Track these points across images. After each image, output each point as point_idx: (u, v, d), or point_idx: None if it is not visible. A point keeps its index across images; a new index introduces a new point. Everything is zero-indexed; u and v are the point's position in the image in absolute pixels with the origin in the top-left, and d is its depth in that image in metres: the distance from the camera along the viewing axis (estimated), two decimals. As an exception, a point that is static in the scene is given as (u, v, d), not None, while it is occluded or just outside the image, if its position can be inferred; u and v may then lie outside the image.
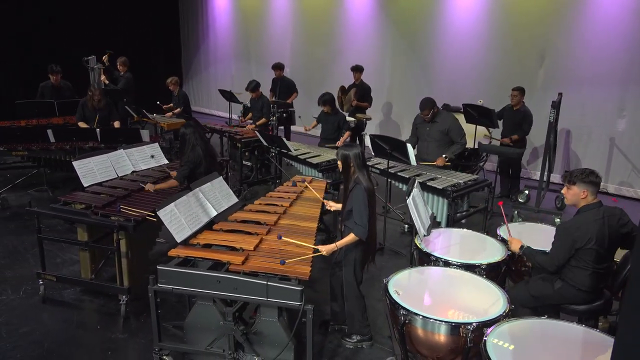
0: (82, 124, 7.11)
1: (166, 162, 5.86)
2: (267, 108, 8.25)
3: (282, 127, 9.56)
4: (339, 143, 7.01)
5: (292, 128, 10.28)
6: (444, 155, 5.77)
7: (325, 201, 4.37)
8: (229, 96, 9.39)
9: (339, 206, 4.34)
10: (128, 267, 4.38)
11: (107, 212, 4.29)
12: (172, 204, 3.80)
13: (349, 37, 10.94)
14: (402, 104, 10.23)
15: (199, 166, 4.92)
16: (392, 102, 10.38)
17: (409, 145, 5.29)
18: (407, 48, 9.92)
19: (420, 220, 3.60)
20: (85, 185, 4.93)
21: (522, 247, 3.63)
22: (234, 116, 10.09)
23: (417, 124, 6.13)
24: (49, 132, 6.10)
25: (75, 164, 4.93)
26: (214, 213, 4.17)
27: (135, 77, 9.66)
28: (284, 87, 9.73)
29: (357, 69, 8.74)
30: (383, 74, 10.22)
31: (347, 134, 7.25)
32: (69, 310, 4.48)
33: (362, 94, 8.72)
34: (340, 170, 3.80)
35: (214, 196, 4.34)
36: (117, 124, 7.15)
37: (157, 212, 3.64)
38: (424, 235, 3.70)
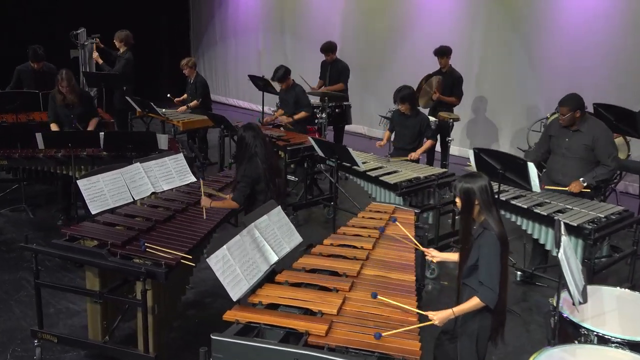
0: (53, 127, 7.16)
1: (193, 179, 5.88)
2: (305, 99, 8.27)
3: (331, 127, 9.56)
4: (413, 155, 6.92)
5: (349, 128, 10.28)
6: (581, 179, 5.61)
7: (425, 250, 4.28)
8: (263, 85, 9.42)
9: (444, 256, 4.27)
10: (154, 327, 4.37)
11: (128, 252, 4.30)
12: (225, 247, 3.77)
13: (422, 7, 10.87)
14: (497, 99, 10.09)
15: (258, 182, 5.01)
16: (484, 97, 10.26)
17: (530, 166, 5.17)
18: (505, 22, 9.79)
19: (573, 280, 3.49)
20: (93, 212, 4.97)
21: None
22: (269, 110, 10.11)
23: (553, 132, 5.90)
24: (39, 136, 6.18)
25: (81, 183, 4.98)
26: (274, 259, 4.12)
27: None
28: (335, 74, 9.72)
29: (444, 53, 8.67)
30: (470, 59, 10.12)
31: (428, 143, 7.16)
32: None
33: (449, 85, 8.63)
34: (459, 208, 3.72)
35: (273, 234, 4.30)
36: (93, 124, 7.18)
37: (208, 260, 3.61)
38: (580, 303, 3.58)
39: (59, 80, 6.93)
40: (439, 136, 8.42)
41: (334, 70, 9.73)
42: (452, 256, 4.17)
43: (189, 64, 9.08)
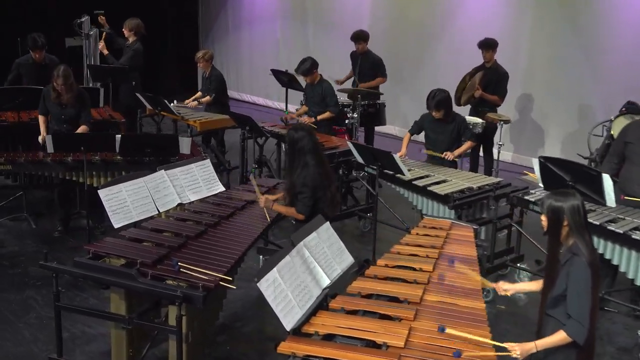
0: (41, 120, 7.11)
1: (221, 188, 5.85)
2: (333, 98, 8.22)
3: (362, 128, 9.53)
4: (449, 155, 6.85)
5: (379, 129, 10.23)
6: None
7: (494, 285, 4.17)
8: (287, 80, 9.37)
9: (519, 288, 4.21)
10: (188, 356, 4.32)
11: (160, 272, 4.26)
12: (275, 269, 3.73)
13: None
14: (546, 98, 10.01)
15: (318, 190, 5.10)
16: (531, 96, 10.19)
17: (606, 177, 5.10)
18: (557, 11, 9.71)
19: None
20: (116, 225, 4.96)
21: None
22: (292, 108, 10.07)
23: (631, 139, 5.73)
24: (49, 138, 6.16)
25: (103, 194, 4.96)
26: (325, 282, 4.09)
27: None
28: (367, 67, 9.68)
29: (489, 45, 8.59)
30: (516, 52, 10.03)
31: (467, 144, 7.08)
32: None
33: (493, 82, 8.56)
34: (545, 229, 3.65)
35: (323, 254, 4.26)
36: (83, 129, 7.08)
37: (259, 284, 3.56)
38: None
39: (54, 77, 6.85)
40: (481, 140, 8.38)
41: (365, 63, 9.68)
42: (529, 286, 4.10)
43: (205, 57, 9.03)
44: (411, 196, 6.58)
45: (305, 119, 8.14)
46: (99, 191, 4.98)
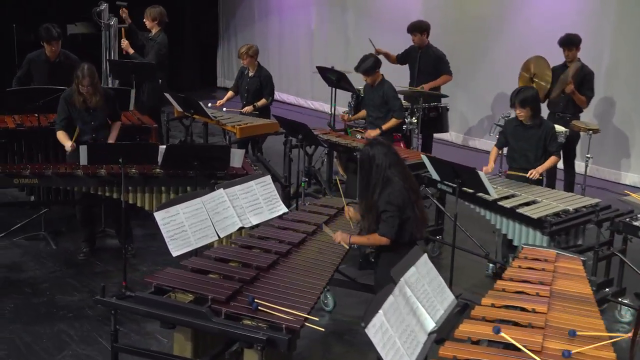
0: (62, 136, 7.01)
1: (283, 209, 5.84)
2: (397, 101, 8.19)
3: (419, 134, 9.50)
4: (533, 174, 6.81)
5: (438, 136, 10.20)
6: None
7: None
8: (335, 78, 9.36)
9: None
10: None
11: (235, 311, 4.24)
12: (381, 312, 3.71)
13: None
14: (632, 103, 9.95)
15: (405, 209, 5.04)
16: (614, 100, 10.14)
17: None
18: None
19: None
20: (174, 253, 4.94)
21: None
22: (340, 110, 10.07)
23: None
24: (83, 149, 6.16)
25: (159, 217, 4.95)
26: (430, 325, 4.07)
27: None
28: (427, 64, 9.66)
29: (572, 43, 8.57)
30: (597, 50, 9.98)
31: (552, 160, 7.01)
32: None
33: (578, 83, 8.52)
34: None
35: (424, 292, 4.24)
36: (115, 132, 7.13)
37: (367, 330, 3.54)
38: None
39: (79, 78, 6.77)
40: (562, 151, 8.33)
41: (426, 59, 9.65)
42: None
43: (250, 53, 8.99)
44: (494, 218, 6.55)
45: (370, 133, 8.09)
46: (155, 214, 4.97)
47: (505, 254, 7.09)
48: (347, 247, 5.27)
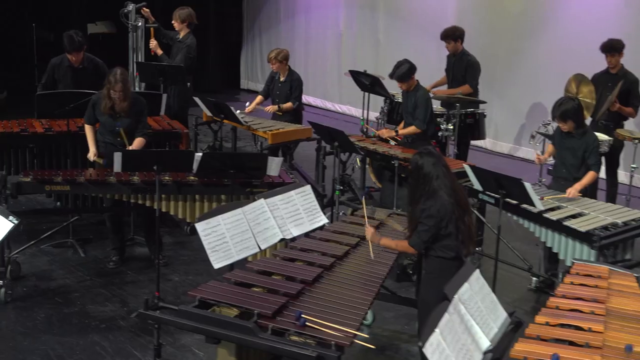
0: (88, 131, 7.16)
1: (324, 220, 5.87)
2: (423, 108, 8.20)
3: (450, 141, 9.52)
4: (572, 193, 6.75)
5: (475, 143, 10.21)
6: None
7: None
8: (369, 82, 9.38)
9: None
10: None
11: (282, 326, 4.27)
12: (437, 331, 3.73)
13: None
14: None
15: (446, 223, 5.02)
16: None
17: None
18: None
19: None
20: (216, 266, 5.00)
21: None
22: (373, 116, 10.10)
23: None
24: (117, 155, 6.21)
25: (200, 228, 5.00)
26: (485, 344, 4.08)
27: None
28: (459, 71, 9.69)
29: (614, 49, 8.56)
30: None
31: (590, 176, 6.94)
32: None
33: (624, 92, 8.52)
34: None
35: (477, 309, 4.26)
36: (138, 143, 7.13)
37: (424, 350, 3.57)
38: None
39: (111, 83, 6.81)
40: (604, 160, 8.30)
41: (459, 66, 9.69)
42: None
43: (279, 57, 9.04)
44: (538, 230, 6.55)
45: (383, 132, 8.16)
46: (196, 225, 5.03)
47: (548, 267, 7.11)
48: (372, 252, 5.27)
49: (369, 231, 5.27)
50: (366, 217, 5.52)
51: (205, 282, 4.72)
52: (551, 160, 7.47)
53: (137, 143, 7.11)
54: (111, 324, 6.29)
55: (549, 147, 7.54)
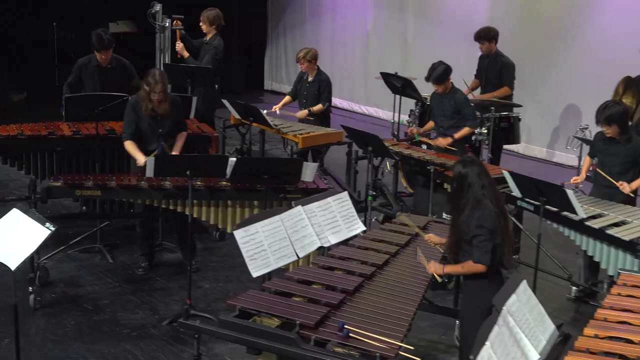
0: (131, 147, 7.10)
1: (361, 227, 5.89)
2: (470, 109, 8.29)
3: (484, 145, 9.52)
4: (625, 187, 6.82)
5: (509, 147, 10.19)
6: None
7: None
8: (401, 85, 9.39)
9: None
10: None
11: (325, 337, 4.29)
12: (488, 344, 3.74)
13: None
14: None
15: (496, 233, 5.04)
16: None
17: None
18: None
19: None
20: (254, 274, 5.01)
21: None
22: (405, 119, 10.11)
23: None
24: (150, 160, 6.26)
25: (239, 235, 5.02)
26: (535, 358, 4.08)
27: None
28: (493, 73, 9.69)
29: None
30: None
31: (638, 183, 6.98)
32: None
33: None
34: None
35: (525, 321, 4.26)
36: (180, 143, 7.24)
37: (474, 362, 3.58)
38: None
39: (150, 84, 6.81)
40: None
41: (493, 68, 9.70)
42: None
43: (307, 57, 9.07)
44: (579, 239, 6.54)
45: (441, 142, 8.15)
46: (234, 232, 5.05)
47: (588, 276, 7.10)
48: (440, 280, 5.31)
49: (430, 267, 5.22)
50: (423, 259, 5.33)
51: (236, 289, 4.75)
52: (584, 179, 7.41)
53: (181, 140, 7.31)
54: (142, 331, 6.32)
55: (585, 162, 7.49)
